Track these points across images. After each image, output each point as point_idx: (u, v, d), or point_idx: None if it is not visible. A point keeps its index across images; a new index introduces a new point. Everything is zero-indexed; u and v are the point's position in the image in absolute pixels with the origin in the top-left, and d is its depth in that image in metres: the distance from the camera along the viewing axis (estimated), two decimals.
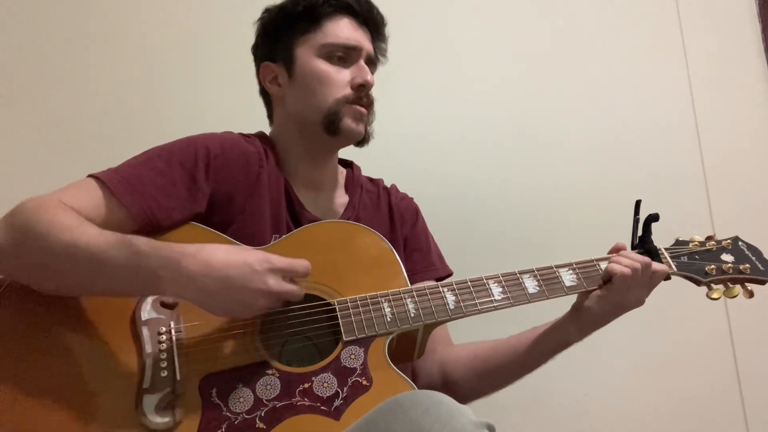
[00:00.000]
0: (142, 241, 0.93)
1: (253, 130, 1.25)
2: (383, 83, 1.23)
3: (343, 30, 1.19)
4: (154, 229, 1.03)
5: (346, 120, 1.18)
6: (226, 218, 1.09)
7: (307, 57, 1.19)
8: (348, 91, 1.18)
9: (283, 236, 1.11)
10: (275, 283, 0.93)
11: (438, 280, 1.27)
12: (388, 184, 1.36)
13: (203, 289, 0.90)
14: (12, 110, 1.63)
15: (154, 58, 1.71)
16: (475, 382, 1.21)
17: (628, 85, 1.92)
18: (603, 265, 1.12)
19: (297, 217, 1.17)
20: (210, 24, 1.75)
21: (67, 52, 1.67)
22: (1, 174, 1.58)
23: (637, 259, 1.09)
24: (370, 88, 1.20)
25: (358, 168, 1.34)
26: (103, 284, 0.94)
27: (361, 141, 1.23)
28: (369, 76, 1.19)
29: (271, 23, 1.23)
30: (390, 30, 1.29)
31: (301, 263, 0.96)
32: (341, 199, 1.28)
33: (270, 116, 1.30)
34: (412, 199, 1.36)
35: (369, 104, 1.21)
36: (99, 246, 0.91)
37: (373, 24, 1.25)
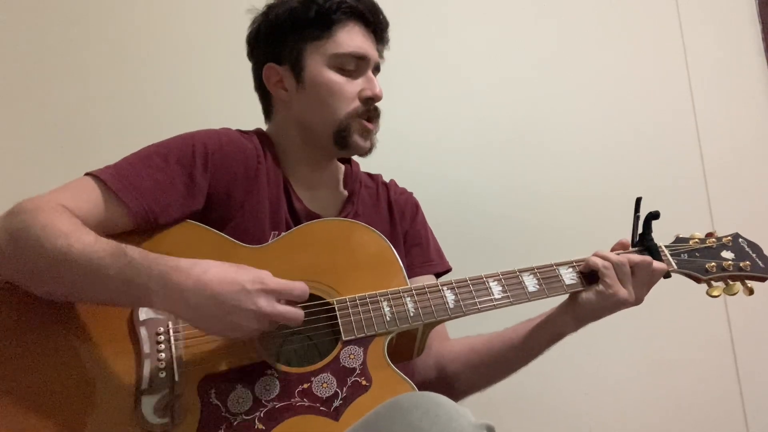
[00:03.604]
0: (136, 253, 0.91)
1: (250, 127, 1.24)
2: (384, 83, 1.23)
3: (354, 39, 1.19)
4: (151, 226, 1.02)
5: (354, 136, 1.19)
6: (224, 215, 1.09)
7: (318, 66, 1.18)
8: (357, 104, 1.18)
9: (282, 234, 1.10)
10: (267, 304, 0.89)
11: (436, 275, 1.28)
12: (387, 180, 1.36)
13: (193, 306, 0.88)
14: (10, 109, 1.62)
15: (151, 55, 1.71)
16: (472, 375, 1.21)
17: (628, 86, 1.92)
18: None
19: (296, 213, 1.17)
20: (207, 21, 1.75)
21: (65, 50, 1.67)
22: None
23: (622, 256, 1.09)
24: (379, 101, 1.20)
25: (357, 164, 1.34)
26: (95, 293, 0.92)
27: (364, 153, 1.23)
28: (378, 89, 1.19)
29: (278, 24, 1.20)
30: (391, 29, 1.28)
31: (297, 285, 0.93)
32: (341, 195, 1.28)
33: (267, 113, 1.29)
34: (411, 193, 1.36)
35: (376, 117, 1.21)
36: (93, 254, 0.89)
37: (379, 30, 1.25)
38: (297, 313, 0.92)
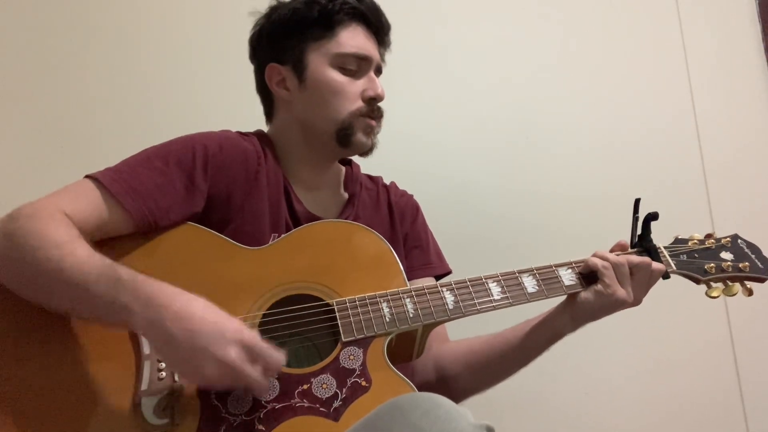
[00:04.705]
0: (126, 273, 0.89)
1: (251, 129, 1.24)
2: (384, 83, 1.23)
3: (357, 39, 1.19)
4: (151, 229, 1.02)
5: (358, 134, 1.19)
6: (224, 217, 1.09)
7: (320, 65, 1.18)
8: (360, 103, 1.18)
9: (282, 236, 1.10)
10: (236, 357, 0.84)
11: (436, 278, 1.28)
12: (387, 182, 1.36)
13: (167, 336, 0.85)
14: (10, 109, 1.62)
15: (152, 57, 1.71)
16: (471, 377, 1.21)
17: (628, 86, 1.92)
18: None
19: (296, 215, 1.17)
20: (208, 23, 1.75)
21: (65, 50, 1.67)
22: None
23: (621, 257, 1.10)
24: (381, 101, 1.20)
25: (357, 166, 1.34)
26: (81, 308, 0.92)
27: (367, 152, 1.23)
28: (380, 89, 1.19)
29: (281, 24, 1.21)
30: (392, 30, 1.28)
31: (275, 355, 0.88)
32: (341, 197, 1.28)
33: (268, 115, 1.29)
34: (411, 196, 1.36)
35: (379, 117, 1.22)
36: (83, 269, 0.88)
37: (381, 32, 1.25)
38: (263, 384, 0.88)
